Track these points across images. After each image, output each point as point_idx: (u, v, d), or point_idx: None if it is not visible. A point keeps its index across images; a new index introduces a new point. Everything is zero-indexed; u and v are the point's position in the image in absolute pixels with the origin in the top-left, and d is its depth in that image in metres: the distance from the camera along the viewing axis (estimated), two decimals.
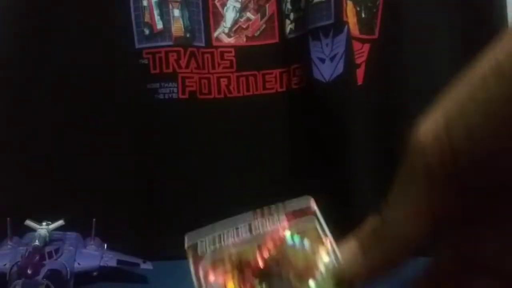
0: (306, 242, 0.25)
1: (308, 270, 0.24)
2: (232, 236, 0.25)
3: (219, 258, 0.25)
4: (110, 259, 0.47)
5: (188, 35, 0.52)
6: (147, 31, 0.51)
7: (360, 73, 0.54)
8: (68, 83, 0.53)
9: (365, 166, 0.54)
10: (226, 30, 0.53)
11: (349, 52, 0.51)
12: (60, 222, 0.45)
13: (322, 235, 0.25)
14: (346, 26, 0.51)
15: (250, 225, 0.26)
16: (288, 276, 0.24)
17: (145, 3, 0.51)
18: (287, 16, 0.53)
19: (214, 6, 0.53)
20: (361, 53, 0.54)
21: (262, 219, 0.26)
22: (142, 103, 0.52)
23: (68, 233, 0.47)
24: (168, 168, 0.53)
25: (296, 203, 0.26)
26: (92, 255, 0.47)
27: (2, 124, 0.53)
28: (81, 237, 0.48)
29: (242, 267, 0.25)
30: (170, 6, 0.51)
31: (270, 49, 0.53)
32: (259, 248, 0.25)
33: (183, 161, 0.53)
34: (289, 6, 0.53)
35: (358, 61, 0.54)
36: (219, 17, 0.53)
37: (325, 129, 0.53)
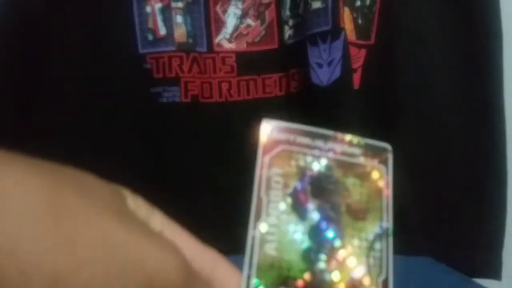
0: (373, 177, 0.26)
1: (362, 212, 0.25)
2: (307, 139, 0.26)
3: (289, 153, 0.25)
4: None
5: (190, 41, 0.53)
6: (150, 37, 0.52)
7: (356, 77, 0.55)
8: (71, 87, 0.54)
9: None
10: (227, 36, 0.54)
11: (346, 57, 0.52)
12: None
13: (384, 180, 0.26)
14: (343, 32, 0.52)
15: (325, 141, 0.26)
16: (339, 207, 0.25)
17: (148, 9, 0.52)
18: (286, 23, 0.54)
19: (216, 13, 0.54)
20: (358, 58, 0.55)
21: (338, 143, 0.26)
22: (146, 107, 0.53)
23: None
24: (171, 170, 0.54)
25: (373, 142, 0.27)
26: None
27: (5, 128, 0.54)
28: None
29: (301, 173, 0.25)
30: (173, 13, 0.53)
31: (269, 54, 0.55)
32: (326, 165, 0.25)
33: (185, 162, 0.54)
34: (288, 12, 0.54)
35: (354, 66, 0.55)
36: (220, 24, 0.54)
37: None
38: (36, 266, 0.15)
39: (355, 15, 0.54)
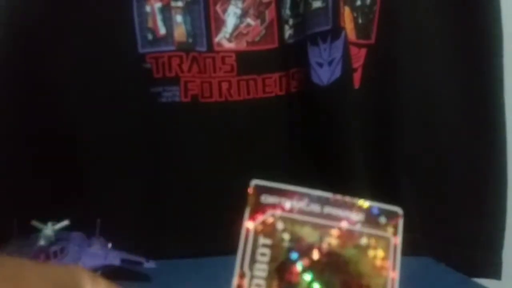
0: (378, 254, 0.22)
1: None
2: (300, 202, 0.23)
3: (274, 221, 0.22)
4: (114, 258, 0.47)
5: (190, 40, 0.53)
6: (150, 36, 0.52)
7: (356, 77, 0.55)
8: (72, 87, 0.54)
9: (361, 168, 0.55)
10: (227, 36, 0.54)
11: (346, 56, 0.52)
12: (65, 223, 0.46)
13: (390, 260, 0.22)
14: (344, 32, 0.52)
15: (322, 205, 0.23)
16: (333, 285, 0.22)
17: (148, 9, 0.52)
18: (286, 22, 0.54)
19: (216, 12, 0.54)
20: (358, 57, 0.55)
21: (338, 207, 0.23)
22: (146, 107, 0.53)
23: (73, 233, 0.48)
24: (171, 169, 0.54)
25: (382, 206, 0.23)
26: (96, 254, 0.47)
27: (7, 126, 0.54)
28: (85, 237, 0.49)
29: (293, 245, 0.22)
30: (173, 12, 0.53)
31: (269, 54, 0.55)
32: (321, 236, 0.22)
33: (185, 162, 0.54)
34: (288, 12, 0.54)
35: (354, 66, 0.55)
36: (220, 23, 0.54)
37: (323, 131, 0.54)
38: None
39: (355, 14, 0.54)
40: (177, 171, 0.54)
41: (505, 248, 0.58)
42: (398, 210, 0.23)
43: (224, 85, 0.54)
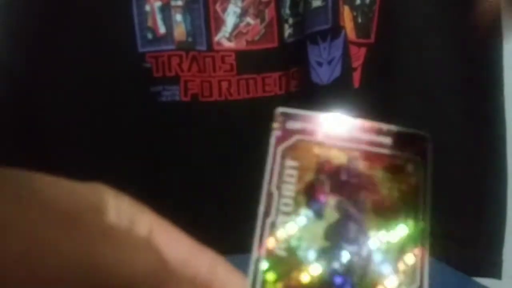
0: (407, 177, 0.22)
1: (392, 211, 0.21)
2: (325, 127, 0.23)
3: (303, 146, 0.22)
4: None
5: (190, 40, 0.53)
6: (150, 36, 0.52)
7: (356, 76, 0.55)
8: (71, 86, 0.54)
9: None
10: (227, 35, 0.54)
11: (346, 56, 0.52)
12: None
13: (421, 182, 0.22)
14: (343, 31, 0.52)
15: (349, 130, 0.23)
16: (364, 204, 0.21)
17: (148, 8, 0.52)
18: (286, 21, 0.54)
19: (215, 11, 0.54)
20: (358, 56, 0.55)
21: (365, 132, 0.23)
22: (145, 106, 0.53)
23: None
24: (170, 168, 0.54)
25: (410, 130, 0.23)
26: None
27: (7, 125, 0.54)
28: None
29: (320, 167, 0.22)
30: (173, 11, 0.53)
31: (269, 53, 0.55)
32: (349, 158, 0.22)
33: (185, 161, 0.54)
34: (287, 11, 0.54)
35: (354, 65, 0.55)
36: (220, 22, 0.54)
37: None
38: None
39: (355, 13, 0.54)
40: (176, 171, 0.54)
41: (505, 247, 0.58)
42: (426, 133, 0.23)
43: (224, 84, 0.54)
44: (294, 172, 0.22)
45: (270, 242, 0.20)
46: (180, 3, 0.53)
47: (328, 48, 0.52)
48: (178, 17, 0.53)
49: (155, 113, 0.53)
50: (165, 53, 0.53)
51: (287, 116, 0.23)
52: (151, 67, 0.53)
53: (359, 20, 0.55)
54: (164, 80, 0.53)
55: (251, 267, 0.20)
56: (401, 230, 0.21)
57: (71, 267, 0.17)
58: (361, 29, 0.55)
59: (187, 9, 0.53)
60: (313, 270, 0.20)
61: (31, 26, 0.53)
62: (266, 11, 0.55)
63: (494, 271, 0.57)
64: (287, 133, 0.23)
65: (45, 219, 0.17)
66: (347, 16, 0.53)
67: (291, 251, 0.20)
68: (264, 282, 0.20)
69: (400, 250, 0.21)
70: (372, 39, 0.55)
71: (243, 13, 0.54)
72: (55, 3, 0.53)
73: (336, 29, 0.52)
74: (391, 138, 0.23)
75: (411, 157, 0.22)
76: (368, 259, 0.21)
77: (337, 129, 0.23)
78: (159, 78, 0.53)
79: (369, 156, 0.22)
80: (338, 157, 0.22)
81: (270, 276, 0.20)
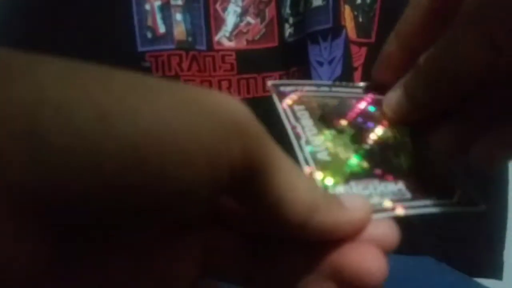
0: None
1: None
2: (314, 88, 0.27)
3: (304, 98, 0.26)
4: None
5: (190, 39, 0.53)
6: (149, 35, 0.52)
7: (357, 76, 0.55)
8: None
9: None
10: (227, 34, 0.54)
11: (347, 55, 0.52)
12: None
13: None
14: (344, 30, 0.52)
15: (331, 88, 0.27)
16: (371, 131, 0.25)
17: (147, 7, 0.52)
18: (286, 20, 0.54)
19: (215, 10, 0.54)
20: (358, 56, 0.55)
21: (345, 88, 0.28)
22: None
23: None
24: None
25: None
26: None
27: None
28: None
29: (324, 107, 0.26)
30: (172, 10, 0.52)
31: (269, 52, 0.55)
32: (345, 103, 0.26)
33: None
34: (288, 10, 0.54)
35: (355, 64, 0.55)
36: (220, 22, 0.54)
37: None
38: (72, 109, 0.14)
39: (355, 13, 0.54)
40: None
41: (506, 248, 0.58)
42: None
43: (224, 84, 0.54)
44: (304, 112, 0.25)
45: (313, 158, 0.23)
46: (180, 2, 0.53)
47: (328, 47, 0.52)
48: (178, 16, 0.53)
49: None
50: (165, 53, 0.52)
51: (280, 85, 0.27)
52: (150, 66, 0.52)
53: (360, 19, 0.55)
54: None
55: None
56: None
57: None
58: (362, 29, 0.55)
59: (187, 8, 0.53)
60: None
61: (30, 25, 0.53)
62: (267, 10, 0.54)
63: (495, 271, 0.57)
64: (284, 94, 0.26)
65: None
66: (348, 16, 0.53)
67: (333, 154, 0.24)
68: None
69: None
70: (373, 39, 0.55)
71: (244, 13, 0.54)
72: (55, 3, 0.52)
73: (337, 29, 0.52)
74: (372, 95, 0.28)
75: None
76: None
77: (324, 88, 0.27)
78: (159, 77, 0.53)
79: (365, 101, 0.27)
80: (335, 100, 0.27)
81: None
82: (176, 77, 0.53)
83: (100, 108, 0.15)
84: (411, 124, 0.26)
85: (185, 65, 0.53)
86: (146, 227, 0.18)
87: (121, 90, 0.15)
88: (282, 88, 0.26)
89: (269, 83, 0.27)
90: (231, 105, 0.17)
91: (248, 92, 0.55)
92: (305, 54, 0.52)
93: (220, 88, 0.54)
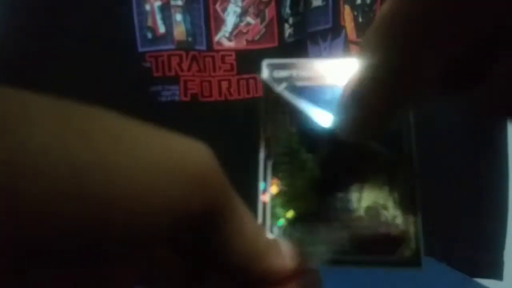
0: None
1: None
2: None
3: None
4: None
5: (189, 39, 0.53)
6: (149, 35, 0.52)
7: None
8: (71, 86, 0.54)
9: None
10: (227, 34, 0.54)
11: (346, 55, 0.52)
12: None
13: None
14: (344, 31, 0.52)
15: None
16: None
17: (147, 7, 0.52)
18: (286, 21, 0.54)
19: (215, 11, 0.54)
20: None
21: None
22: (145, 106, 0.53)
23: None
24: None
25: None
26: None
27: None
28: None
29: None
30: (172, 11, 0.53)
31: (269, 52, 0.55)
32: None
33: None
34: (288, 10, 0.54)
35: None
36: (220, 22, 0.54)
37: None
38: (47, 159, 0.15)
39: (355, 13, 0.54)
40: None
41: (506, 248, 0.58)
42: None
43: (224, 84, 0.54)
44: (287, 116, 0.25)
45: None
46: (180, 2, 0.53)
47: (328, 47, 0.52)
48: (178, 16, 0.53)
49: (155, 113, 0.53)
50: (165, 53, 0.52)
51: (274, 66, 0.26)
52: (150, 66, 0.52)
53: (360, 19, 0.55)
54: (163, 80, 0.53)
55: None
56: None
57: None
58: (362, 29, 0.55)
59: (187, 9, 0.53)
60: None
61: (30, 25, 0.53)
62: (267, 10, 0.54)
63: (495, 271, 0.57)
64: (275, 82, 0.25)
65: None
66: (347, 16, 0.53)
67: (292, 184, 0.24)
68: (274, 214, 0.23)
69: None
70: None
71: (243, 13, 0.54)
72: (55, 3, 0.53)
73: (337, 29, 0.52)
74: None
75: None
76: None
77: (322, 71, 0.25)
78: (159, 78, 0.53)
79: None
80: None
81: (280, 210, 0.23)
82: (176, 77, 0.53)
83: (75, 161, 0.15)
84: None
85: (185, 65, 0.53)
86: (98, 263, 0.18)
87: (100, 142, 0.16)
88: (275, 73, 0.26)
89: (265, 62, 0.26)
90: (197, 157, 0.18)
91: (248, 92, 0.55)
92: (305, 54, 0.53)
93: (220, 88, 0.54)
